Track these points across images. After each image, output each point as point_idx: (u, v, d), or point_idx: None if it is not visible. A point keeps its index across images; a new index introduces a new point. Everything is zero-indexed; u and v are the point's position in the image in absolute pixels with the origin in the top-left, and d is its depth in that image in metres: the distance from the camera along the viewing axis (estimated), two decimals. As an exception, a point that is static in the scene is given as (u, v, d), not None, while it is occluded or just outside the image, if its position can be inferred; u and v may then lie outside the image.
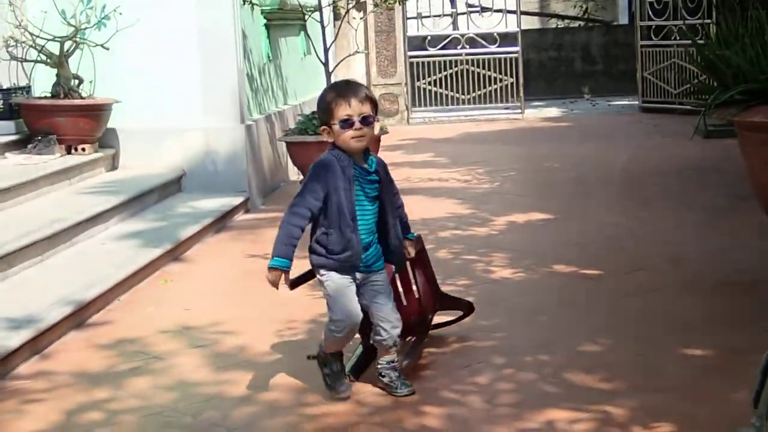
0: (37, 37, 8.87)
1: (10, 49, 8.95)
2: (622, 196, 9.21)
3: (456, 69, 16.49)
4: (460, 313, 5.31)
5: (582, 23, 22.05)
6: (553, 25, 22.72)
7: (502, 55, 16.47)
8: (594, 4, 22.16)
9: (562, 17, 22.89)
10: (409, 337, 4.94)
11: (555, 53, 20.35)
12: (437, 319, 5.24)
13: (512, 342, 4.98)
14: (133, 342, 5.45)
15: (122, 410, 4.47)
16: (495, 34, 16.50)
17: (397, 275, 4.77)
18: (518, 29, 16.49)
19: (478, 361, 4.86)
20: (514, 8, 16.44)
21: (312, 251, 4.45)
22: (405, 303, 4.82)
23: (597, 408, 4.19)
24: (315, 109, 9.99)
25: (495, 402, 4.38)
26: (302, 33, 12.16)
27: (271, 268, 4.30)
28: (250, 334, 5.43)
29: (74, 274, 6.38)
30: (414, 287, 4.90)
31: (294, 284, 4.54)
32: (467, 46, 16.51)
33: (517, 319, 5.51)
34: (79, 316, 5.78)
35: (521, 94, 16.43)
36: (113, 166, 9.42)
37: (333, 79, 10.46)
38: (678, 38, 15.06)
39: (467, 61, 16.51)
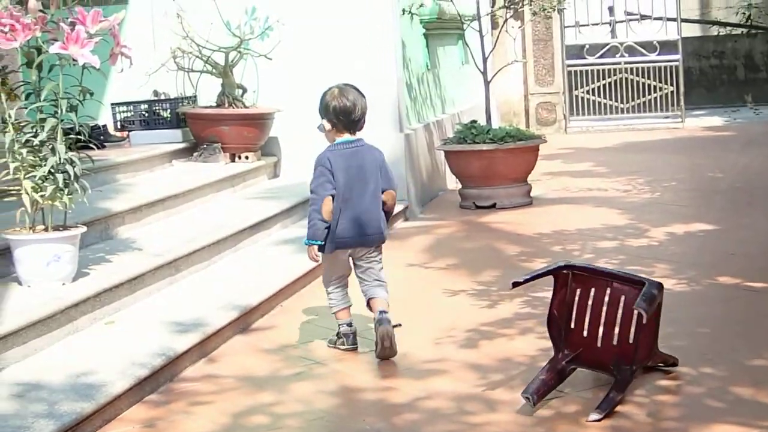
0: (203, 48, 9.10)
1: (177, 60, 9.21)
2: (788, 207, 8.97)
3: (614, 78, 16.30)
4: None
5: (745, 30, 21.51)
6: (715, 33, 22.20)
7: (662, 63, 16.21)
8: (757, 10, 21.58)
9: (724, 24, 22.35)
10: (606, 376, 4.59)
11: (716, 61, 19.92)
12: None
13: (675, 354, 4.89)
14: (297, 347, 5.55)
15: (286, 414, 4.56)
16: (654, 42, 16.26)
17: (620, 315, 4.51)
18: (678, 37, 16.21)
19: (641, 373, 4.79)
20: (674, 16, 16.17)
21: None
22: (615, 343, 4.52)
23: (767, 424, 4.09)
24: (474, 117, 10.13)
25: (659, 415, 4.32)
26: (460, 42, 12.20)
27: None
28: (412, 341, 5.46)
29: (239, 279, 6.54)
30: (632, 333, 4.51)
31: (518, 283, 4.59)
32: (626, 55, 16.30)
33: (680, 331, 5.41)
34: (244, 321, 5.91)
35: (681, 102, 16.14)
36: (275, 174, 9.61)
37: (491, 89, 10.48)
38: None
39: (626, 69, 16.31)
